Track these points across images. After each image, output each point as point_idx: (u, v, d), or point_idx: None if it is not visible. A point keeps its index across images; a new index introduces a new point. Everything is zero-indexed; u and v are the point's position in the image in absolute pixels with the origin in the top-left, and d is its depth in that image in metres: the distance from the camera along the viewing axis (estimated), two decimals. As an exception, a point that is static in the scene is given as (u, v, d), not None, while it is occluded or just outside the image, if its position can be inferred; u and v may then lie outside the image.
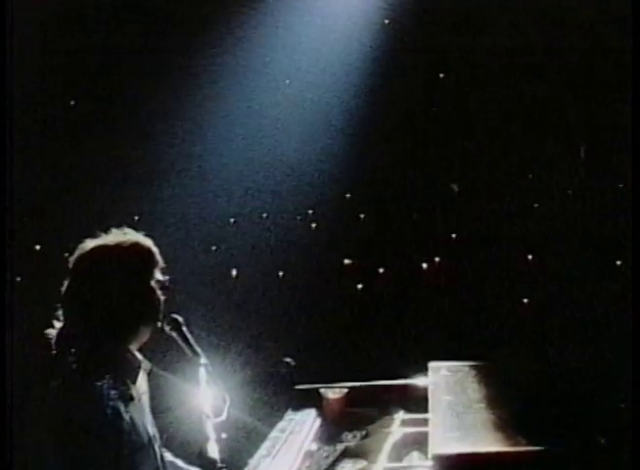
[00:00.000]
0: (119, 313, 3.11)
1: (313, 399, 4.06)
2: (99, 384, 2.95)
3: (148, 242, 3.23)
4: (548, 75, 8.50)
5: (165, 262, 3.24)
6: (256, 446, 3.52)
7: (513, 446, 2.91)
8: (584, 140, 8.61)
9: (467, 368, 4.01)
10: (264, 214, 9.13)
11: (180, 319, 3.22)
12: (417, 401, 3.79)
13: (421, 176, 8.90)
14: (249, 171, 9.02)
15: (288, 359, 7.44)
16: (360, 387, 4.08)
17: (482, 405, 3.40)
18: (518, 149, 8.71)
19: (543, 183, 8.76)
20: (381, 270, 9.09)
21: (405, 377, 4.07)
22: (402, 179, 8.91)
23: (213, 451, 3.02)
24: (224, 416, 3.15)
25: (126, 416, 2.98)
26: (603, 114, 8.32)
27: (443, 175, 9.01)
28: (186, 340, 3.20)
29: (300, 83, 9.04)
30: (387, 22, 9.00)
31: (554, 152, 8.69)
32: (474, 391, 3.66)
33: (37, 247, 9.11)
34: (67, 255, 3.23)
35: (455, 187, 9.08)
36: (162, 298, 3.20)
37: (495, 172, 8.75)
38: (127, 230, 3.25)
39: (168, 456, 3.32)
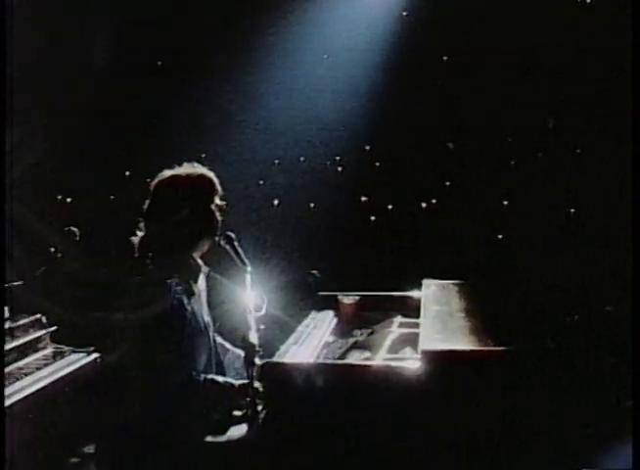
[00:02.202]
0: (187, 228, 3.12)
1: (332, 303, 4.06)
2: (169, 281, 2.98)
3: (210, 174, 3.23)
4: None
5: (223, 191, 3.24)
6: (286, 337, 3.53)
7: (483, 346, 2.93)
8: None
9: (452, 285, 4.01)
10: (302, 158, 9.32)
11: (233, 236, 3.23)
12: (412, 309, 3.79)
13: (422, 136, 8.92)
14: (291, 124, 9.17)
15: (314, 272, 7.53)
16: (369, 296, 4.08)
17: (462, 314, 3.40)
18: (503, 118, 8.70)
19: (519, 146, 8.77)
20: (389, 207, 9.18)
21: (404, 290, 4.07)
22: (409, 138, 8.94)
23: (254, 338, 3.05)
24: (263, 312, 3.17)
25: (188, 307, 3.01)
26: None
27: (442, 137, 9.04)
28: (236, 252, 3.21)
29: (335, 59, 9.19)
30: (404, 14, 9.01)
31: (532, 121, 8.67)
32: (456, 302, 3.66)
33: (127, 173, 9.22)
34: (149, 180, 3.24)
35: (450, 145, 9.13)
36: (220, 218, 3.21)
37: (481, 137, 8.77)
38: (195, 164, 3.25)
39: (219, 340, 3.35)
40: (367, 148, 9.33)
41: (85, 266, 7.03)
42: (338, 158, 9.39)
